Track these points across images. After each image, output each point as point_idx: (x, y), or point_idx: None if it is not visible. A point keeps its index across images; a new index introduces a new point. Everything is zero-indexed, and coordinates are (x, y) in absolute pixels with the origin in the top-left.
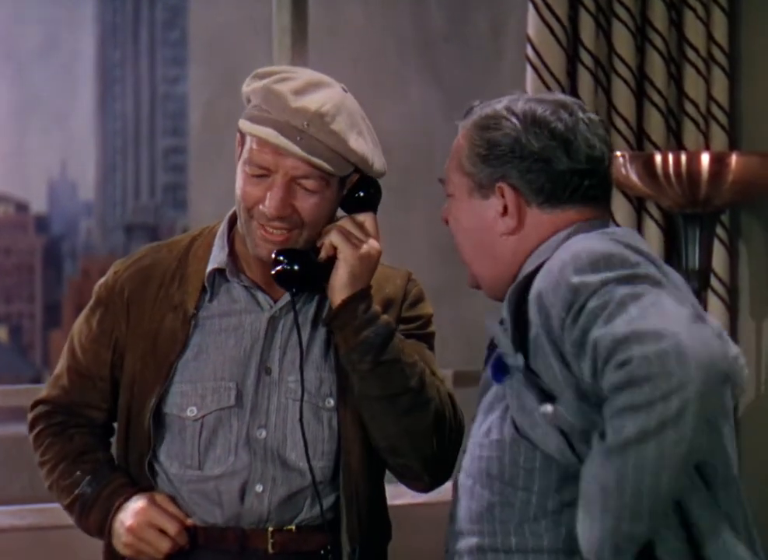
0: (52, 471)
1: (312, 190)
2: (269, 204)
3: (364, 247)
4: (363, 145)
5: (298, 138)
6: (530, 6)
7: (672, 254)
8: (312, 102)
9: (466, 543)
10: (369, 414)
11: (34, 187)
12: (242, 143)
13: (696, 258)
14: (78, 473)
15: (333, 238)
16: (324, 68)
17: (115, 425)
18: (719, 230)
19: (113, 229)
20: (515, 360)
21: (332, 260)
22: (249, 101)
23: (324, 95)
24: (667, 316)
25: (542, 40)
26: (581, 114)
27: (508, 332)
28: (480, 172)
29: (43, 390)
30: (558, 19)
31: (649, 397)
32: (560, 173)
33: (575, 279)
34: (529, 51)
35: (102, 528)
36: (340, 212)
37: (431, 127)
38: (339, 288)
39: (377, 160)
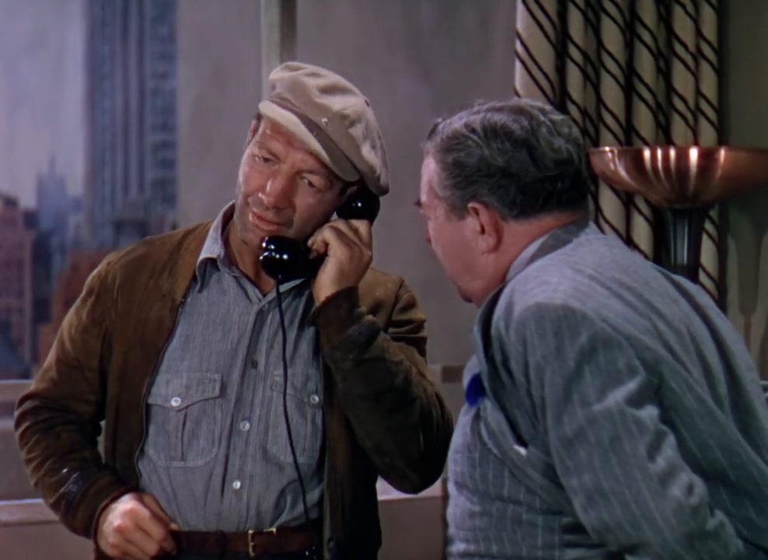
0: (38, 469)
1: (316, 187)
2: (269, 191)
3: (356, 249)
4: (374, 157)
5: (315, 133)
6: (519, 1)
7: (661, 249)
8: (336, 103)
9: (456, 548)
10: (354, 413)
11: (23, 183)
12: (256, 129)
13: (684, 253)
14: (64, 471)
15: (326, 234)
16: (313, 63)
17: (102, 423)
18: (708, 225)
19: (102, 225)
20: (489, 385)
21: (321, 257)
22: (274, 88)
23: (349, 100)
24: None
25: (530, 35)
26: (542, 117)
27: (481, 355)
28: (451, 195)
29: (31, 385)
30: (547, 14)
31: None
32: (530, 183)
33: (525, 333)
34: (518, 46)
35: (89, 527)
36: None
37: (419, 121)
38: (325, 284)
39: (383, 176)
